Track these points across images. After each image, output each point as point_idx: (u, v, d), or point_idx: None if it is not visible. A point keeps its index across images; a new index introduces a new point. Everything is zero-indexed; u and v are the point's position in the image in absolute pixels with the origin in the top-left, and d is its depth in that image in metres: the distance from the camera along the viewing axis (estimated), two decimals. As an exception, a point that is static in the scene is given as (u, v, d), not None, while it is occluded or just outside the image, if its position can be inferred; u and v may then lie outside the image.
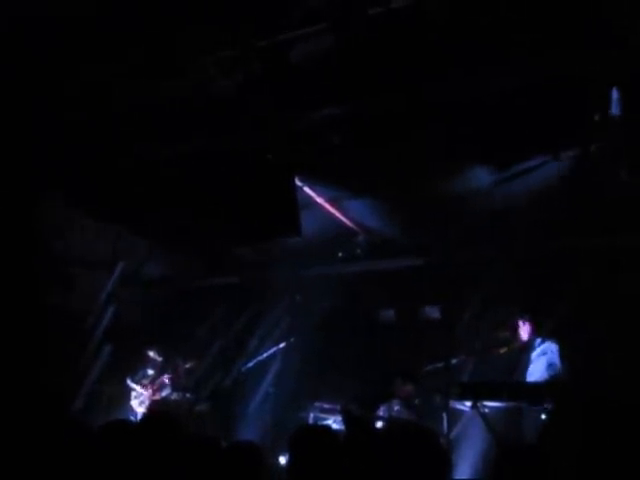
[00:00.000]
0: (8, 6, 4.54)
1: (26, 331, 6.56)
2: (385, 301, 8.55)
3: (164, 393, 8.15)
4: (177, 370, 8.36)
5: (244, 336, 9.11)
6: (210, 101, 5.44)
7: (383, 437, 3.56)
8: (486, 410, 6.08)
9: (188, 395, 8.28)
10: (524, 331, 6.70)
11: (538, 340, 6.62)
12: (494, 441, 5.78)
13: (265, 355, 8.19)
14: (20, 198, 6.55)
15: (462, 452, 6.68)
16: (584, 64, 4.69)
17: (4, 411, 5.39)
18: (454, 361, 6.75)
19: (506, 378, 6.68)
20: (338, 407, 7.38)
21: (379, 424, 6.91)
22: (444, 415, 6.08)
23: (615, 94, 4.90)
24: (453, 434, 6.42)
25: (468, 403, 6.13)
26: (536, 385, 6.28)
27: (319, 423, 7.34)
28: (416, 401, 7.15)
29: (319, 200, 7.01)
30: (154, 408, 7.86)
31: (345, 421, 6.86)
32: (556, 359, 6.40)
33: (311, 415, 7.78)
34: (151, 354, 8.36)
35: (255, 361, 8.22)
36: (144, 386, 8.15)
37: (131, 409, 8.08)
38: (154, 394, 8.11)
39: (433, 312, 7.96)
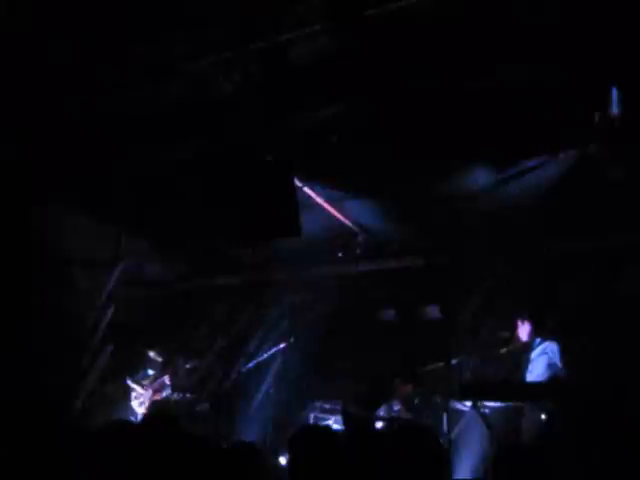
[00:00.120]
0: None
1: (26, 331, 6.56)
2: (385, 301, 8.55)
3: (164, 393, 8.14)
4: (177, 371, 8.37)
5: (244, 336, 9.12)
6: (209, 102, 5.44)
7: (383, 437, 3.56)
8: (486, 410, 6.09)
9: (188, 395, 8.27)
10: (523, 331, 6.71)
11: (538, 340, 6.62)
12: (494, 441, 5.78)
13: (265, 355, 8.19)
14: (20, 198, 6.55)
15: (462, 452, 6.68)
16: (584, 64, 4.69)
17: (4, 412, 5.40)
18: (454, 361, 6.76)
19: (506, 378, 6.69)
20: (338, 407, 7.40)
21: (379, 424, 6.91)
22: (444, 415, 6.08)
23: (615, 94, 4.90)
24: (453, 434, 6.42)
25: (468, 403, 6.13)
26: (536, 385, 6.28)
27: (319, 423, 7.35)
28: (416, 401, 7.15)
29: (319, 200, 7.01)
30: (154, 408, 7.87)
31: (345, 421, 6.88)
32: (556, 359, 6.41)
33: (311, 415, 7.79)
34: (151, 354, 8.36)
35: (255, 361, 8.22)
36: (144, 386, 8.14)
37: (131, 409, 8.07)
38: (154, 394, 8.11)
39: (433, 312, 7.96)
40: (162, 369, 8.30)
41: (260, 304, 9.13)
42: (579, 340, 6.69)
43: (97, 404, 7.93)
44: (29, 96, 5.37)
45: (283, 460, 6.76)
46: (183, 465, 3.21)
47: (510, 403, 6.11)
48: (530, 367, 6.55)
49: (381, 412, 7.14)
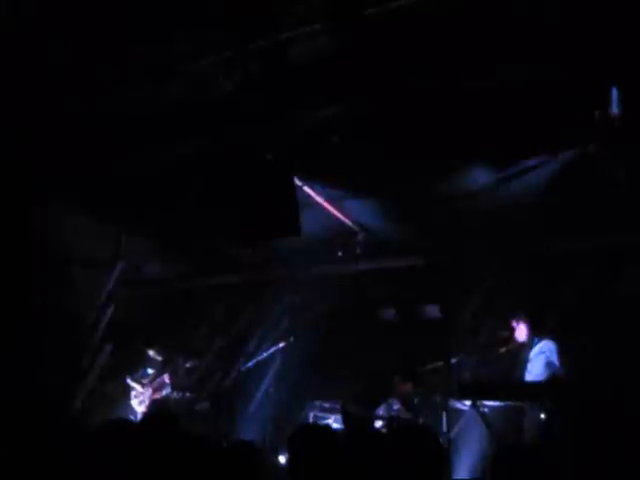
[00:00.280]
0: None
1: (26, 331, 6.57)
2: (385, 300, 8.55)
3: (164, 392, 8.15)
4: (177, 369, 8.38)
5: (244, 335, 9.12)
6: (209, 102, 5.44)
7: (382, 436, 3.57)
8: (486, 410, 6.10)
9: (188, 394, 8.29)
10: (520, 332, 6.71)
11: (536, 339, 6.63)
12: (493, 440, 5.79)
13: (265, 355, 8.19)
14: (20, 198, 6.55)
15: (461, 451, 6.70)
16: (584, 64, 4.69)
17: (4, 411, 5.41)
18: (454, 360, 6.76)
19: (506, 378, 6.70)
20: (338, 406, 7.41)
21: (378, 423, 6.92)
22: (444, 414, 6.09)
23: (615, 94, 4.90)
24: (453, 434, 6.43)
25: (467, 402, 6.14)
26: (535, 384, 6.29)
27: (319, 422, 7.36)
28: (415, 400, 7.16)
29: (319, 199, 7.01)
30: (154, 407, 7.87)
31: (344, 420, 6.89)
32: (553, 357, 6.41)
33: (311, 415, 7.80)
34: (151, 353, 8.37)
35: (255, 360, 8.23)
36: (144, 385, 8.15)
37: (131, 408, 8.08)
38: (154, 393, 8.12)
39: (433, 311, 7.96)
40: (162, 368, 8.31)
41: (260, 304, 9.14)
42: (579, 340, 6.70)
43: (97, 403, 7.93)
44: (29, 96, 5.38)
45: (283, 459, 6.78)
46: (183, 464, 3.22)
47: (509, 402, 6.11)
48: (529, 366, 6.56)
49: (380, 411, 7.15)
